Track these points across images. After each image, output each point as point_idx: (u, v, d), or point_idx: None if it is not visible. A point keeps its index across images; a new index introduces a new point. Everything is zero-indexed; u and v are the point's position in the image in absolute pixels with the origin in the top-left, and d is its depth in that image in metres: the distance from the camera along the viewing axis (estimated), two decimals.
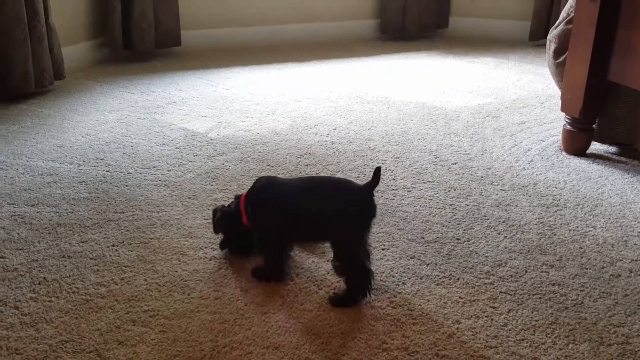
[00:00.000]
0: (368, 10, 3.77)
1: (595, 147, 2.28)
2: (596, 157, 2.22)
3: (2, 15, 2.37)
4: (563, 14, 2.30)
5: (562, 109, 2.23)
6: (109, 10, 2.98)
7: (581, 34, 2.11)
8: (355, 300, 1.42)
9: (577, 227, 1.77)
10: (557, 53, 2.29)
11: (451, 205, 1.86)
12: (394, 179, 2.01)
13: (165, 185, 1.92)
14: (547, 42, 2.35)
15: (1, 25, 2.38)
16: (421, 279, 1.52)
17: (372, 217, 1.43)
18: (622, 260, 1.62)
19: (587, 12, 2.07)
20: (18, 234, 1.63)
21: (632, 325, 1.38)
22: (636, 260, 1.61)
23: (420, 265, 1.57)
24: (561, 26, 2.27)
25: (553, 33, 2.32)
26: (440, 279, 1.52)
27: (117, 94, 2.66)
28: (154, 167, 2.03)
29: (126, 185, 1.91)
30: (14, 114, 2.41)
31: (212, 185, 1.92)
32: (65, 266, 1.51)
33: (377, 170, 1.40)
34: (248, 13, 3.50)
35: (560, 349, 1.30)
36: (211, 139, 2.23)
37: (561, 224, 1.78)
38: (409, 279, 1.51)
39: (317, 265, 1.56)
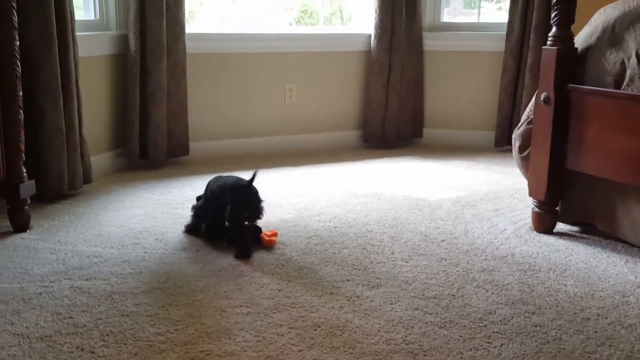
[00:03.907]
0: (353, 123, 4.24)
1: (561, 227, 2.64)
2: (562, 235, 2.57)
3: (45, 126, 2.74)
4: (524, 117, 2.72)
5: (530, 194, 2.61)
6: (129, 125, 3.37)
7: (541, 131, 2.52)
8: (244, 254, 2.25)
9: (551, 285, 2.10)
10: (522, 148, 2.70)
11: (444, 271, 2.19)
12: (392, 253, 2.34)
13: (197, 262, 2.22)
14: (513, 140, 2.77)
15: (44, 136, 2.74)
16: (426, 324, 1.82)
17: (253, 202, 2.30)
18: (590, 308, 1.94)
19: (545, 113, 2.49)
20: (80, 300, 1.91)
21: (602, 352, 1.70)
22: (602, 308, 1.94)
23: (424, 314, 1.87)
24: (523, 126, 2.70)
25: (517, 132, 2.74)
26: (442, 323, 1.82)
27: (140, 195, 2.99)
28: (184, 249, 2.34)
29: (164, 263, 2.20)
30: (52, 212, 2.71)
31: (237, 260, 2.23)
32: (125, 322, 1.78)
33: (254, 174, 2.30)
34: (247, 126, 3.93)
35: None
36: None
37: (537, 283, 2.11)
38: (416, 324, 1.81)
39: (339, 317, 1.85)
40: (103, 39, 3.33)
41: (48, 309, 1.85)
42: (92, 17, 3.37)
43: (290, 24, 4.34)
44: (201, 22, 4.16)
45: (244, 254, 2.26)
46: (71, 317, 1.80)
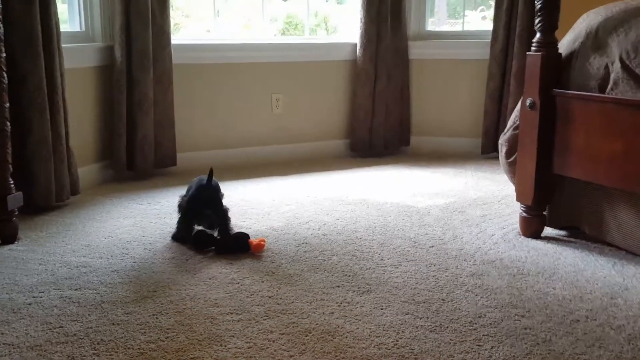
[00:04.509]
0: (340, 131, 4.26)
1: (548, 231, 2.66)
2: (550, 239, 2.59)
3: (32, 138, 2.72)
4: (510, 122, 2.75)
5: (517, 199, 2.63)
6: (116, 136, 3.36)
7: (527, 136, 2.54)
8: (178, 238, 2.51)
9: (540, 288, 2.11)
10: (508, 154, 2.72)
11: (433, 276, 2.20)
12: (381, 259, 2.34)
13: (186, 270, 2.21)
14: (499, 146, 2.79)
15: (30, 147, 2.73)
16: (417, 328, 1.82)
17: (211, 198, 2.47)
18: (579, 310, 1.96)
19: (530, 118, 2.50)
20: (70, 310, 1.90)
21: (592, 353, 1.71)
22: (590, 310, 1.96)
23: (414, 319, 1.88)
24: (510, 132, 2.72)
25: (503, 138, 2.76)
26: (433, 327, 1.83)
27: (128, 205, 2.98)
28: (174, 257, 2.33)
29: (153, 272, 2.19)
30: (40, 223, 2.70)
31: (227, 268, 2.23)
32: (116, 330, 1.77)
33: (210, 171, 2.47)
34: (234, 136, 3.93)
35: None
36: (218, 235, 2.53)
37: (526, 287, 2.12)
38: (407, 328, 1.82)
39: (329, 323, 1.85)
40: (89, 51, 3.33)
41: (38, 318, 1.84)
42: (77, 28, 3.36)
43: (275, 36, 4.36)
44: (186, 34, 4.17)
45: (177, 238, 2.50)
46: (61, 327, 1.79)
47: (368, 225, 2.73)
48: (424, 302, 1.99)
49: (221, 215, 2.48)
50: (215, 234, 2.48)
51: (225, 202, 2.59)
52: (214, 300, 1.97)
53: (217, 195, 2.52)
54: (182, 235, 2.49)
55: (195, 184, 2.59)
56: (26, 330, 1.78)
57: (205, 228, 2.49)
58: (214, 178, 2.52)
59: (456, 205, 3.06)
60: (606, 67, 2.30)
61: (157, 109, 3.48)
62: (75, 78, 3.16)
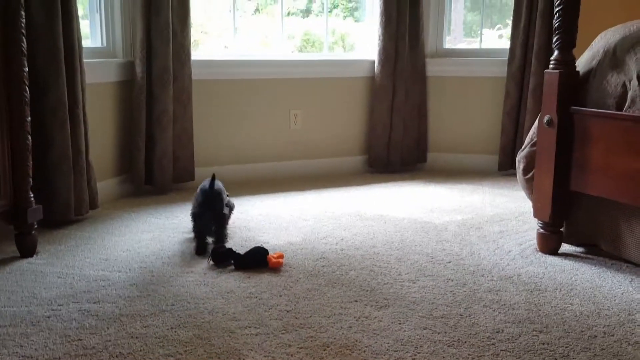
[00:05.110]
0: (357, 148, 4.27)
1: (566, 247, 2.65)
2: (567, 255, 2.58)
3: (52, 151, 2.76)
4: (528, 139, 2.75)
5: (535, 215, 2.62)
6: (135, 150, 3.40)
7: (545, 153, 2.54)
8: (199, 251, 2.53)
9: (558, 304, 2.11)
10: (526, 170, 2.72)
11: (451, 291, 2.19)
12: (399, 274, 2.34)
13: (204, 284, 2.22)
14: (517, 162, 2.79)
15: (51, 161, 2.77)
16: (435, 343, 1.82)
17: (214, 205, 2.56)
18: (597, 326, 1.95)
19: (548, 135, 2.51)
20: (88, 323, 1.91)
21: None
22: (608, 326, 1.95)
23: (432, 333, 1.88)
24: (527, 148, 2.72)
25: (521, 155, 2.76)
26: (451, 342, 1.83)
27: (146, 220, 3.01)
28: (192, 271, 2.35)
29: (171, 286, 2.21)
30: (59, 237, 2.73)
31: (245, 282, 2.24)
32: (135, 344, 1.79)
33: (213, 176, 2.61)
34: (252, 151, 3.96)
35: None
36: (236, 249, 2.55)
37: (544, 303, 2.11)
38: (425, 343, 1.82)
39: (347, 337, 1.85)
40: (110, 66, 3.38)
41: (57, 331, 1.86)
42: (99, 44, 3.42)
43: (292, 52, 4.39)
44: (204, 50, 4.21)
45: (199, 251, 2.53)
46: (80, 340, 1.81)
47: (385, 241, 2.73)
48: (441, 317, 1.99)
49: (219, 218, 2.58)
50: (233, 247, 2.50)
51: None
52: (232, 314, 1.98)
53: (219, 197, 2.60)
54: (202, 248, 2.54)
55: (200, 190, 2.64)
56: (45, 343, 1.79)
57: (211, 236, 2.59)
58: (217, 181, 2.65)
59: (473, 221, 3.06)
60: (624, 85, 2.30)
61: (176, 124, 3.52)
62: (95, 93, 3.21)
